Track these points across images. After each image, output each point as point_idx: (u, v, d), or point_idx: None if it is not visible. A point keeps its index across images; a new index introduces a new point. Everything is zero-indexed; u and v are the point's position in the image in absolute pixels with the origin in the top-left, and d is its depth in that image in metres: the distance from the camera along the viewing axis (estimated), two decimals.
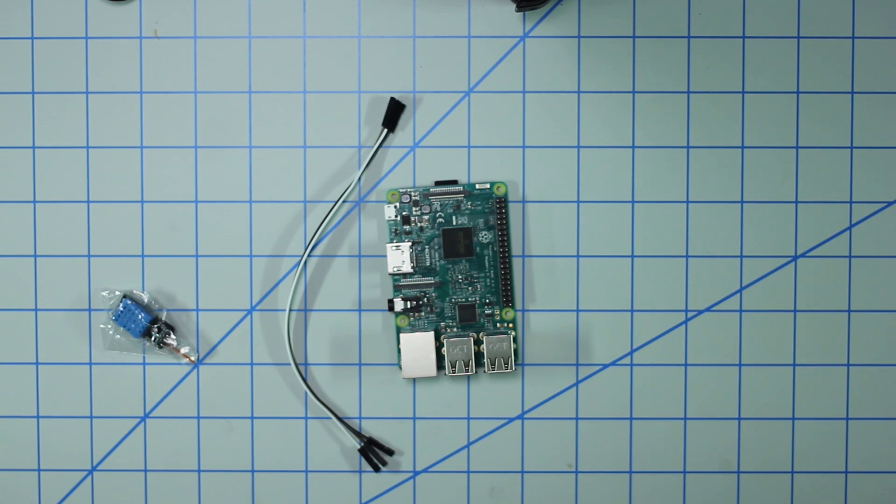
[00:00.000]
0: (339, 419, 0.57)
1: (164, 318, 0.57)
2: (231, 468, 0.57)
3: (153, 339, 0.56)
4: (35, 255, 0.57)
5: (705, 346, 0.57)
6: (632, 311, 0.57)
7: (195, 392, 0.57)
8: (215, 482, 0.57)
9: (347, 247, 0.57)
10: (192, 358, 0.57)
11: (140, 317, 0.56)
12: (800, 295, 0.57)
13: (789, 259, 0.57)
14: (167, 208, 0.57)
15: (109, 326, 0.57)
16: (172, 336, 0.56)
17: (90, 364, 0.57)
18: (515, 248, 0.57)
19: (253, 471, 0.57)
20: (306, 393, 0.57)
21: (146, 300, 0.57)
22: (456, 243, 0.56)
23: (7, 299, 0.57)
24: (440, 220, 0.56)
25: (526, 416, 0.57)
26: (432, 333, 0.56)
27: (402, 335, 0.56)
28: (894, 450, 0.57)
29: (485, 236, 0.56)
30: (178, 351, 0.56)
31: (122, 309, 0.56)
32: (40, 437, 0.58)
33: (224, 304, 0.57)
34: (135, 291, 0.57)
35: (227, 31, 0.57)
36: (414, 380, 0.57)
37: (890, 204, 0.57)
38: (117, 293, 0.57)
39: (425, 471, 0.58)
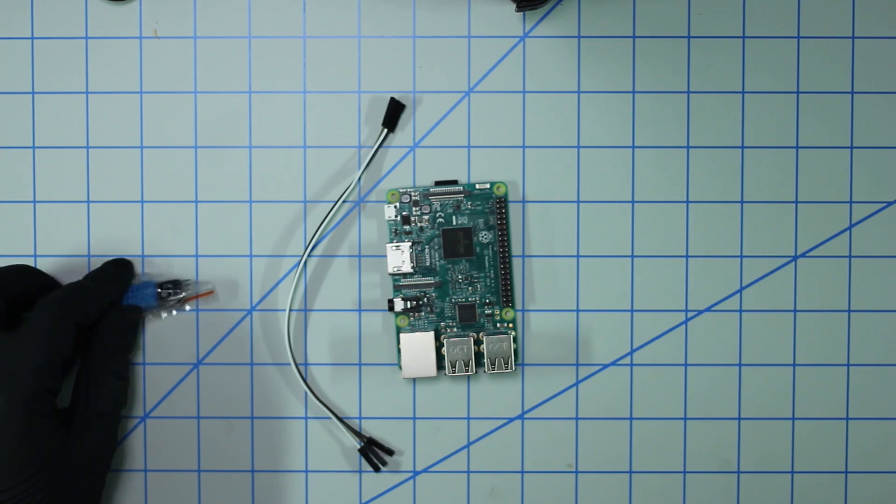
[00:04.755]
0: (339, 419, 0.57)
1: (165, 278, 0.56)
2: (231, 468, 0.57)
3: (169, 301, 0.55)
4: (35, 255, 0.57)
5: (705, 346, 0.57)
6: (632, 311, 0.57)
7: (195, 392, 0.57)
8: (215, 482, 0.57)
9: (347, 247, 0.57)
10: (211, 290, 0.56)
11: (147, 290, 0.55)
12: (800, 295, 0.57)
13: (789, 259, 0.57)
14: (167, 208, 0.57)
15: None
16: (183, 287, 0.56)
17: None
18: (515, 248, 0.57)
19: (253, 471, 0.57)
20: (306, 393, 0.57)
21: (139, 272, 0.56)
22: (456, 243, 0.56)
23: None
24: (440, 220, 0.56)
25: (526, 416, 0.57)
26: (432, 333, 0.56)
27: (402, 335, 0.56)
28: (894, 450, 0.57)
29: (485, 236, 0.56)
30: (199, 295, 0.56)
31: (129, 292, 0.55)
32: None
33: (224, 304, 0.57)
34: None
35: (227, 31, 0.57)
36: (414, 380, 0.57)
37: (890, 204, 0.57)
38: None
39: (425, 471, 0.58)
